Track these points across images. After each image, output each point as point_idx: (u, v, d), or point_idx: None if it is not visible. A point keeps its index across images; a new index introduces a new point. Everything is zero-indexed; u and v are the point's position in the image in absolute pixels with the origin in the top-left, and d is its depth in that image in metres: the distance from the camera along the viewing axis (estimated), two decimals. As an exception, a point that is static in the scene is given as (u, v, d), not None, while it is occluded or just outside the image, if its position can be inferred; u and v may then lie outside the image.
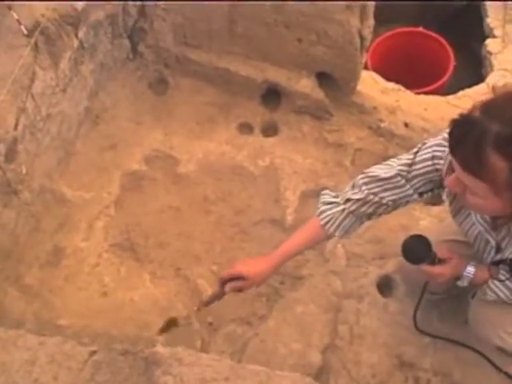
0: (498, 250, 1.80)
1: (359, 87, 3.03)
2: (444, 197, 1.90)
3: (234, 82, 3.04)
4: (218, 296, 2.05)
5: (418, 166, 1.82)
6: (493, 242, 1.79)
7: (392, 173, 1.86)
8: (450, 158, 1.56)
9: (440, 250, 1.89)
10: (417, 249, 1.87)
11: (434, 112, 3.06)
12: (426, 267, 1.89)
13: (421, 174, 1.82)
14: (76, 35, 2.72)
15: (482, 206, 1.59)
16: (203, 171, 2.86)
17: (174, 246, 2.66)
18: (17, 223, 2.50)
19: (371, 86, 3.17)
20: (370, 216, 1.98)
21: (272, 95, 3.06)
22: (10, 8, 2.46)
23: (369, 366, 2.27)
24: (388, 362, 2.28)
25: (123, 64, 3.10)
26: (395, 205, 1.93)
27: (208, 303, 2.10)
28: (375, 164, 2.86)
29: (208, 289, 2.52)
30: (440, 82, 3.70)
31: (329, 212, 1.95)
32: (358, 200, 1.91)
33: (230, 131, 3.01)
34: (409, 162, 1.84)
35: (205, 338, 2.42)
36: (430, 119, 3.01)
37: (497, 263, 1.86)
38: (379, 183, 1.89)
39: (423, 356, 2.27)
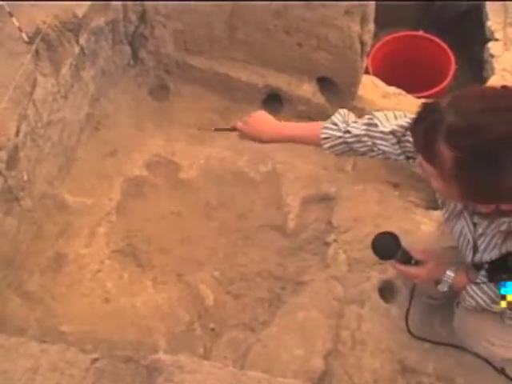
0: (475, 249, 1.80)
1: (360, 92, 3.04)
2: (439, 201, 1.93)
3: (234, 87, 3.05)
4: (229, 130, 2.40)
5: None
6: (470, 238, 1.79)
7: (388, 129, 1.90)
8: None
9: (415, 252, 1.94)
10: (385, 244, 1.94)
11: (435, 116, 3.06)
12: (401, 266, 1.96)
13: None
14: (77, 42, 2.72)
15: (441, 190, 1.64)
16: (205, 177, 2.86)
17: (176, 252, 2.66)
18: (18, 230, 2.50)
19: (372, 90, 3.17)
20: (362, 154, 2.05)
21: (273, 100, 3.07)
22: (11, 15, 2.46)
23: (371, 371, 2.26)
24: (390, 368, 2.27)
25: (124, 70, 3.11)
26: (385, 156, 1.98)
27: (221, 129, 2.52)
28: (376, 169, 2.89)
29: (210, 294, 2.52)
30: (441, 86, 3.70)
31: (330, 132, 2.04)
32: (355, 136, 1.98)
33: (231, 136, 3.00)
34: (406, 125, 1.85)
35: (207, 344, 2.41)
36: (431, 123, 3.00)
37: (478, 267, 1.86)
38: (376, 130, 1.94)
39: (426, 361, 2.27)
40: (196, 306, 2.50)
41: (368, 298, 2.43)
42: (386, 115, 1.95)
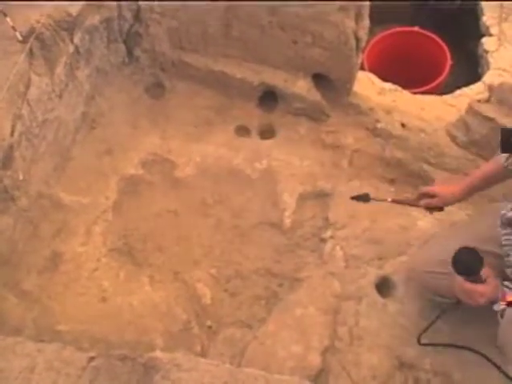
0: None
1: (355, 88, 3.03)
2: None
3: (230, 84, 3.04)
4: (411, 204, 2.38)
5: None
6: None
7: None
8: None
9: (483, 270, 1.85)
10: (473, 261, 1.82)
11: (431, 112, 3.07)
12: (469, 285, 1.85)
13: None
14: (71, 40, 2.71)
15: None
16: (201, 175, 2.86)
17: (173, 250, 2.66)
18: (14, 229, 2.50)
19: (368, 86, 3.17)
20: None
21: (269, 97, 3.06)
22: (5, 14, 2.46)
23: (369, 367, 2.26)
24: (388, 363, 2.27)
25: (119, 68, 3.10)
26: None
27: (401, 202, 2.42)
28: (373, 165, 2.89)
29: (207, 292, 2.52)
30: (437, 82, 3.70)
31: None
32: None
33: (227, 134, 3.01)
34: None
35: (204, 341, 2.41)
36: (426, 119, 3.01)
37: None
38: None
39: (423, 357, 2.27)
40: (193, 304, 2.50)
41: (365, 294, 2.43)
42: None
